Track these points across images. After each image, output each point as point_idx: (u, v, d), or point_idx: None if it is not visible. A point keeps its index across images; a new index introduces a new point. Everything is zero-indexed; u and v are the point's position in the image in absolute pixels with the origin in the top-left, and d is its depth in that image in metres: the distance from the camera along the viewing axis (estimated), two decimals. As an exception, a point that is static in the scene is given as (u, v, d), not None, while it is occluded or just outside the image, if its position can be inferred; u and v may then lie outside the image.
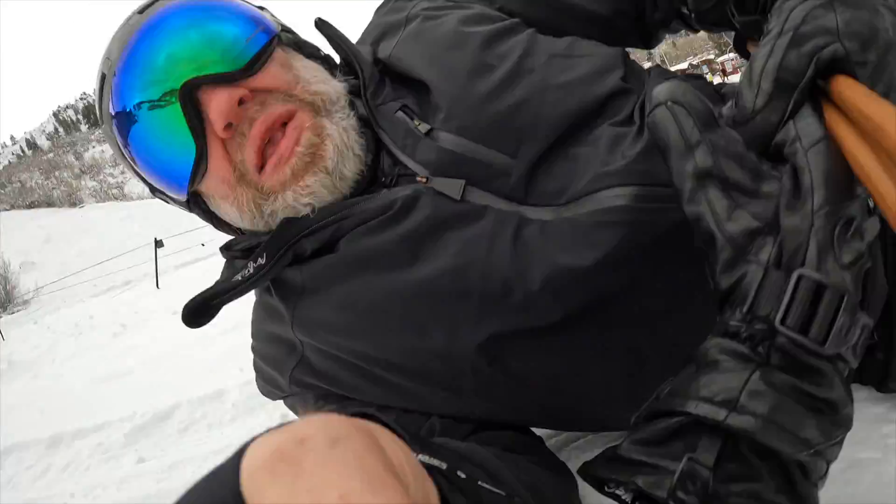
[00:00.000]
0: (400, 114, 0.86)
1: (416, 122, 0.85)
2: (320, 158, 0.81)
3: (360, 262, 0.81)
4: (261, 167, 0.82)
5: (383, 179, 0.86)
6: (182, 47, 0.80)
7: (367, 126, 0.88)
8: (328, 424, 0.30)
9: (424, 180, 0.81)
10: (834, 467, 0.48)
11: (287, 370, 0.91)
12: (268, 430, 0.32)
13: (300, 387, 0.92)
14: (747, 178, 0.48)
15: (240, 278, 0.83)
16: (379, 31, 1.00)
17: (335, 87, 0.87)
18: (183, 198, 0.89)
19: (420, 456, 0.43)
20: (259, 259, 0.82)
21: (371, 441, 0.30)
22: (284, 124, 0.81)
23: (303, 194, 0.82)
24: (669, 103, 0.51)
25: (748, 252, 0.47)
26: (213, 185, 0.86)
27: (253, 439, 0.31)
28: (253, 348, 1.00)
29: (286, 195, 0.82)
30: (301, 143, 0.80)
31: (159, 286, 10.41)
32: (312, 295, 0.85)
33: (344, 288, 0.82)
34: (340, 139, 0.82)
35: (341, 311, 0.83)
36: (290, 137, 0.80)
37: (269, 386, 0.99)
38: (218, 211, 0.92)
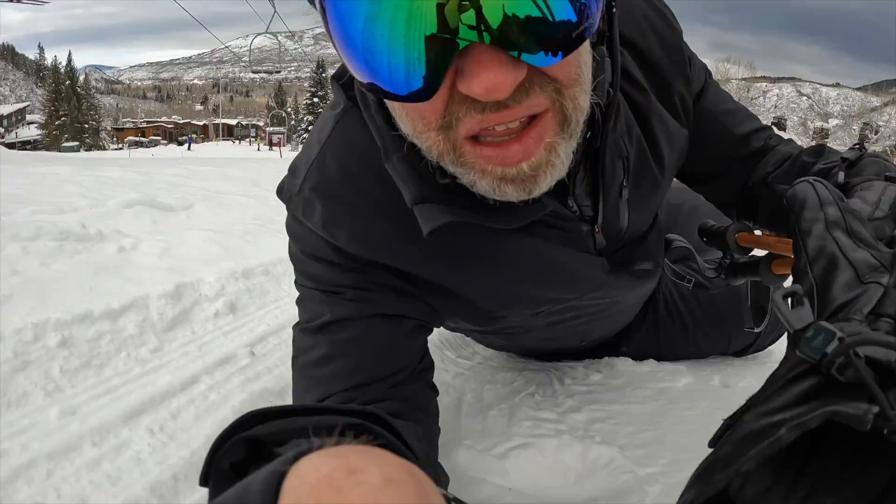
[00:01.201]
0: (619, 164, 0.98)
1: (625, 183, 1.01)
2: (532, 182, 0.75)
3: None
4: (473, 137, 0.73)
5: (574, 210, 0.99)
6: None
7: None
8: (384, 462, 0.30)
9: (598, 230, 1.03)
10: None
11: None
12: (315, 453, 0.31)
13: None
14: (867, 234, 0.57)
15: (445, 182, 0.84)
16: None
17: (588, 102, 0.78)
18: (364, 88, 0.72)
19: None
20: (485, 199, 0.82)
21: (422, 490, 0.30)
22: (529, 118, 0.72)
23: (497, 195, 0.77)
24: (812, 179, 0.63)
25: (866, 277, 0.52)
26: (411, 108, 0.74)
27: (293, 461, 0.31)
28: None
29: (482, 183, 0.76)
30: (529, 159, 0.73)
31: None
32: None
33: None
34: (559, 171, 0.77)
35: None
36: (528, 147, 0.72)
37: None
38: (393, 110, 0.80)
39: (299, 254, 1.02)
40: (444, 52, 0.61)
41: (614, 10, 0.87)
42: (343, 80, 0.96)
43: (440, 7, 0.59)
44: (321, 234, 0.95)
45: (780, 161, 1.17)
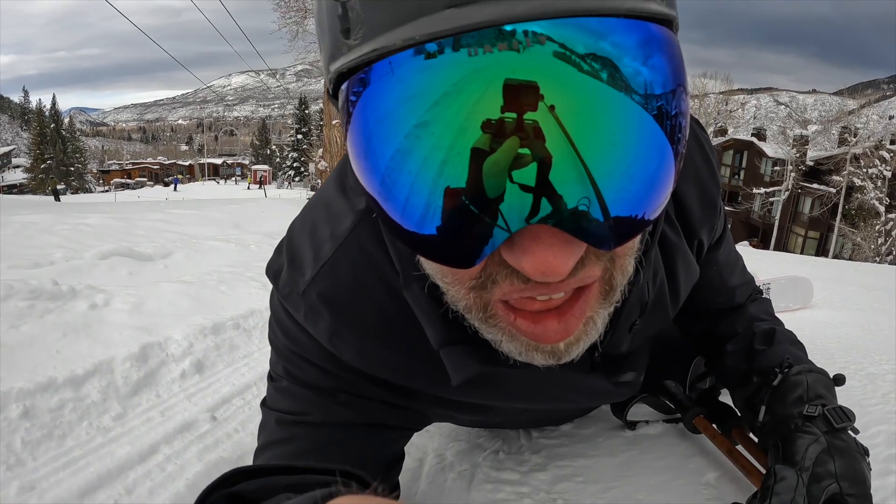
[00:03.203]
0: (637, 307, 0.91)
1: (637, 322, 0.95)
2: (565, 354, 0.68)
3: None
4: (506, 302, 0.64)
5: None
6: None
7: None
8: None
9: (597, 354, 0.97)
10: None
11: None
12: (348, 496, 0.32)
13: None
14: None
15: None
16: None
17: None
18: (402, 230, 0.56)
19: None
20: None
21: None
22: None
23: (523, 359, 0.69)
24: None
25: None
26: (447, 268, 0.63)
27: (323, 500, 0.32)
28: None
29: (510, 346, 0.68)
30: (567, 338, 0.66)
31: None
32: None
33: None
34: (591, 339, 0.69)
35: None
36: (569, 325, 0.64)
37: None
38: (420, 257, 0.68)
39: (290, 354, 0.93)
40: (498, 234, 0.51)
41: None
42: None
43: (508, 175, 0.48)
44: (325, 344, 0.88)
45: (745, 332, 1.22)
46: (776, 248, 29.80)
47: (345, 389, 0.92)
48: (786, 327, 1.24)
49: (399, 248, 0.81)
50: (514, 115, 0.46)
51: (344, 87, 0.55)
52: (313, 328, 0.87)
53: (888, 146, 29.35)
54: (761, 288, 1.34)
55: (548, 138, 0.47)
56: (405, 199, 0.53)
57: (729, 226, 1.19)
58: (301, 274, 0.87)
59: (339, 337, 0.87)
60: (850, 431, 0.99)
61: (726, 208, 1.32)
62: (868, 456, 0.97)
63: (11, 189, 65.01)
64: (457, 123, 0.47)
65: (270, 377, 1.00)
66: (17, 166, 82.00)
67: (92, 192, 67.93)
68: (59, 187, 61.58)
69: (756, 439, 1.17)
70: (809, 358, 1.17)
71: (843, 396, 1.07)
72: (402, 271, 0.81)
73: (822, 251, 30.57)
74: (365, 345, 0.87)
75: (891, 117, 33.66)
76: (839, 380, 1.10)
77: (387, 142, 0.51)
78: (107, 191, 67.26)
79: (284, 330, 0.92)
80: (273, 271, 0.92)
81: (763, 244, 31.97)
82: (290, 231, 0.96)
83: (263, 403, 1.01)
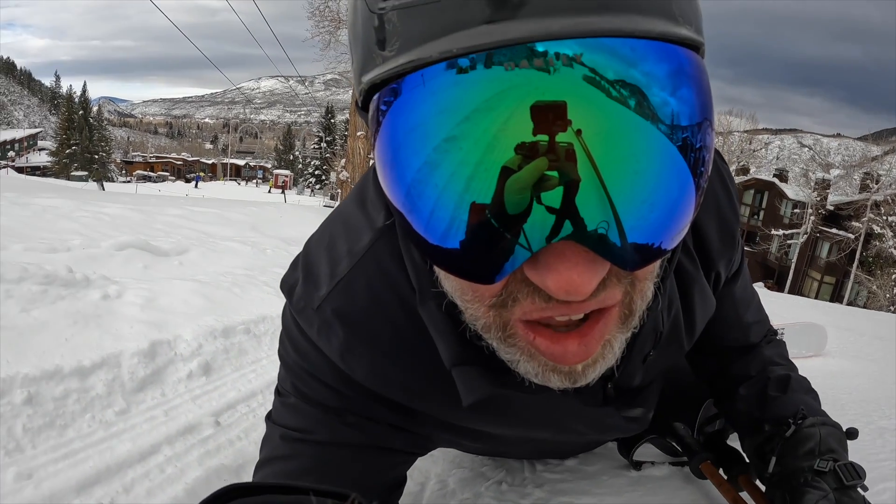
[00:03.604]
0: (651, 337, 0.91)
1: (651, 354, 0.95)
2: (581, 376, 0.67)
3: None
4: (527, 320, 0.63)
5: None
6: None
7: None
8: None
9: (610, 386, 0.96)
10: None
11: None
12: None
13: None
14: None
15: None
16: None
17: None
18: (422, 245, 0.57)
19: None
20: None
21: None
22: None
23: (538, 381, 0.68)
24: None
25: None
26: (467, 286, 0.63)
27: None
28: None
29: (527, 366, 0.67)
30: (586, 360, 0.65)
31: None
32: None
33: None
34: (608, 364, 0.69)
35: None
36: (589, 346, 0.63)
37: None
38: (440, 274, 0.70)
39: (300, 371, 0.92)
40: (520, 252, 0.52)
41: None
42: None
43: (534, 195, 0.48)
44: (336, 362, 0.87)
45: (758, 375, 1.19)
46: (791, 291, 29.53)
47: (353, 410, 0.91)
48: (800, 373, 1.21)
49: (417, 265, 0.80)
50: (546, 137, 0.46)
51: (375, 98, 0.56)
52: (326, 344, 0.86)
53: (909, 194, 29.15)
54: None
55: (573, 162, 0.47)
56: (430, 213, 0.53)
57: (746, 262, 1.17)
58: (316, 289, 0.87)
59: (352, 353, 0.86)
60: (859, 489, 0.97)
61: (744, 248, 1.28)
62: None
63: (35, 171, 65.66)
64: (485, 140, 0.48)
65: (278, 392, 0.99)
66: (43, 149, 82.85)
67: (114, 181, 68.39)
68: (80, 173, 62.07)
69: (763, 487, 1.15)
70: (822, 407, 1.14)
71: (852, 450, 1.05)
72: (418, 288, 0.80)
73: (836, 297, 30.32)
74: (377, 362, 0.86)
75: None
76: (852, 434, 1.08)
77: (415, 154, 0.51)
78: (128, 181, 67.70)
79: (296, 346, 0.91)
80: (288, 286, 0.91)
81: (778, 286, 31.72)
82: (306, 246, 0.95)
83: (268, 417, 1.00)
